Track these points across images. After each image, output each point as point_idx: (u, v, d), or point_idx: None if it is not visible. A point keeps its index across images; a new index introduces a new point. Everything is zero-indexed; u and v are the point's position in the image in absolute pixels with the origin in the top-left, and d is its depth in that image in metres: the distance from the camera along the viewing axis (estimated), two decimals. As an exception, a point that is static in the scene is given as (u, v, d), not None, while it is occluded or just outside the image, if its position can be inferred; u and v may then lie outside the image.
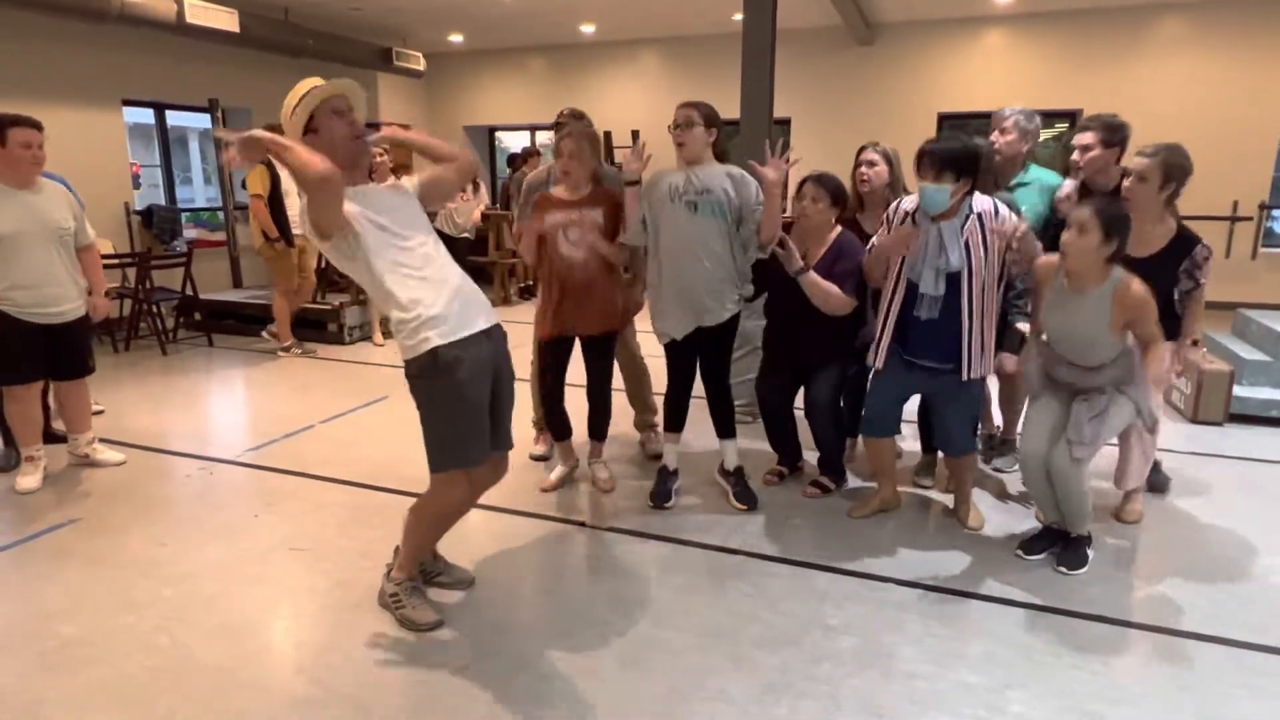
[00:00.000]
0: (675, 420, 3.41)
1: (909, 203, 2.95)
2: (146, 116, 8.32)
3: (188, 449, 4.10)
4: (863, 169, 3.42)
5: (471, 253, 7.75)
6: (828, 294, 3.14)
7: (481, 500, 2.67)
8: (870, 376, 3.18)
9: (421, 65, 9.77)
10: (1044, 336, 2.88)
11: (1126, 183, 3.00)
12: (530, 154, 8.65)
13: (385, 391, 5.14)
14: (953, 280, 2.81)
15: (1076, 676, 2.25)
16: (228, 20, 7.04)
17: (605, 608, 2.61)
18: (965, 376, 2.90)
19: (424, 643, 2.41)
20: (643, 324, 4.02)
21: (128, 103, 7.53)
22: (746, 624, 2.51)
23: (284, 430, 4.37)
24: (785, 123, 9.35)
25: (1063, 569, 2.82)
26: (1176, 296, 3.00)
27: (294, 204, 5.98)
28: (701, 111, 3.10)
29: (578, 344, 3.46)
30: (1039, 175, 3.53)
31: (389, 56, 9.23)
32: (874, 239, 3.09)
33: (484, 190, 8.22)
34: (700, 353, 3.27)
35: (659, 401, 4.06)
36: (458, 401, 2.30)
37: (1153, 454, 3.25)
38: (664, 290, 3.20)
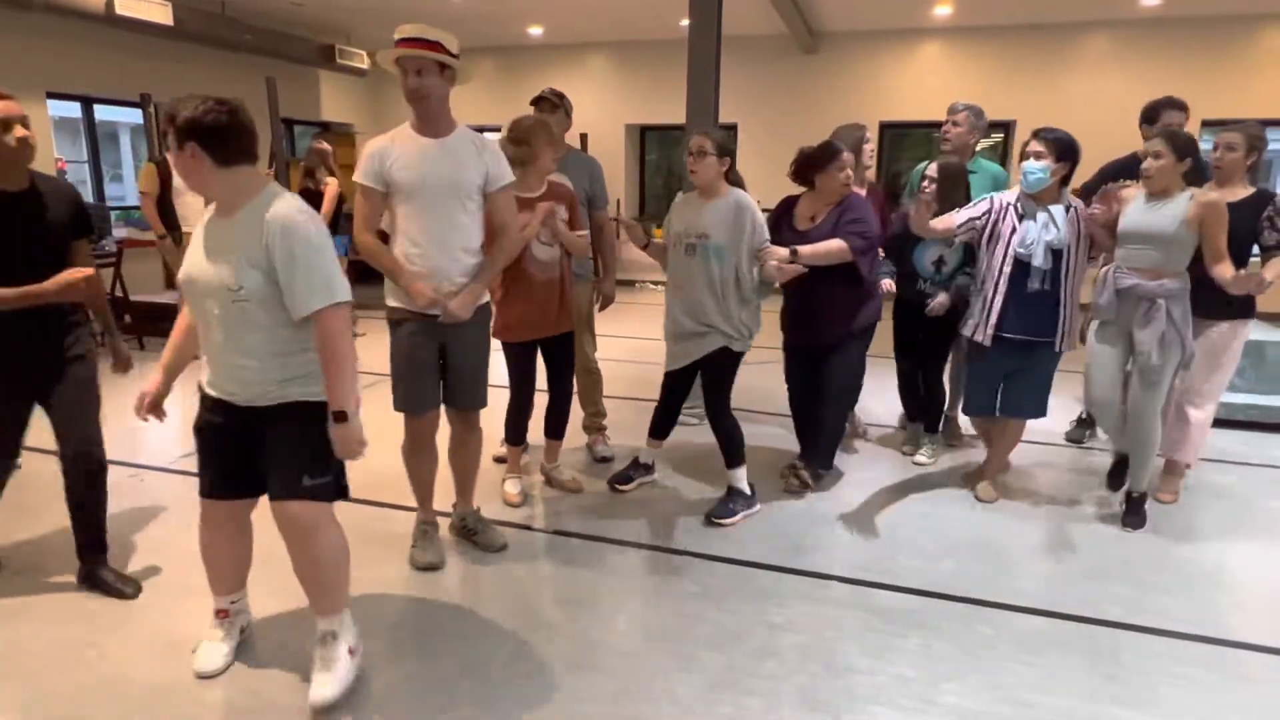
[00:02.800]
0: (659, 430, 3.54)
1: (1009, 195, 3.31)
2: (74, 110, 7.98)
3: (117, 456, 3.92)
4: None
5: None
6: (828, 251, 3.22)
7: (402, 501, 2.64)
8: (968, 359, 3.55)
9: (366, 64, 9.60)
10: (1118, 253, 3.18)
11: (1216, 152, 3.34)
12: None
13: (327, 395, 5.03)
14: (1056, 257, 3.18)
15: (1010, 668, 2.34)
16: (160, 12, 6.81)
17: (553, 610, 2.61)
18: (1058, 348, 3.27)
19: (367, 648, 2.37)
20: (601, 326, 4.03)
21: (53, 95, 7.21)
22: (693, 624, 2.54)
23: (221, 436, 4.23)
24: (731, 128, 9.47)
25: (1128, 528, 3.25)
26: (1257, 250, 3.26)
27: (186, 202, 5.84)
28: (714, 140, 3.12)
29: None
30: (984, 165, 4.08)
31: (331, 54, 9.05)
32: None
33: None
34: (703, 385, 3.34)
35: (608, 405, 4.08)
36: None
37: (1206, 433, 3.55)
38: (668, 321, 3.32)
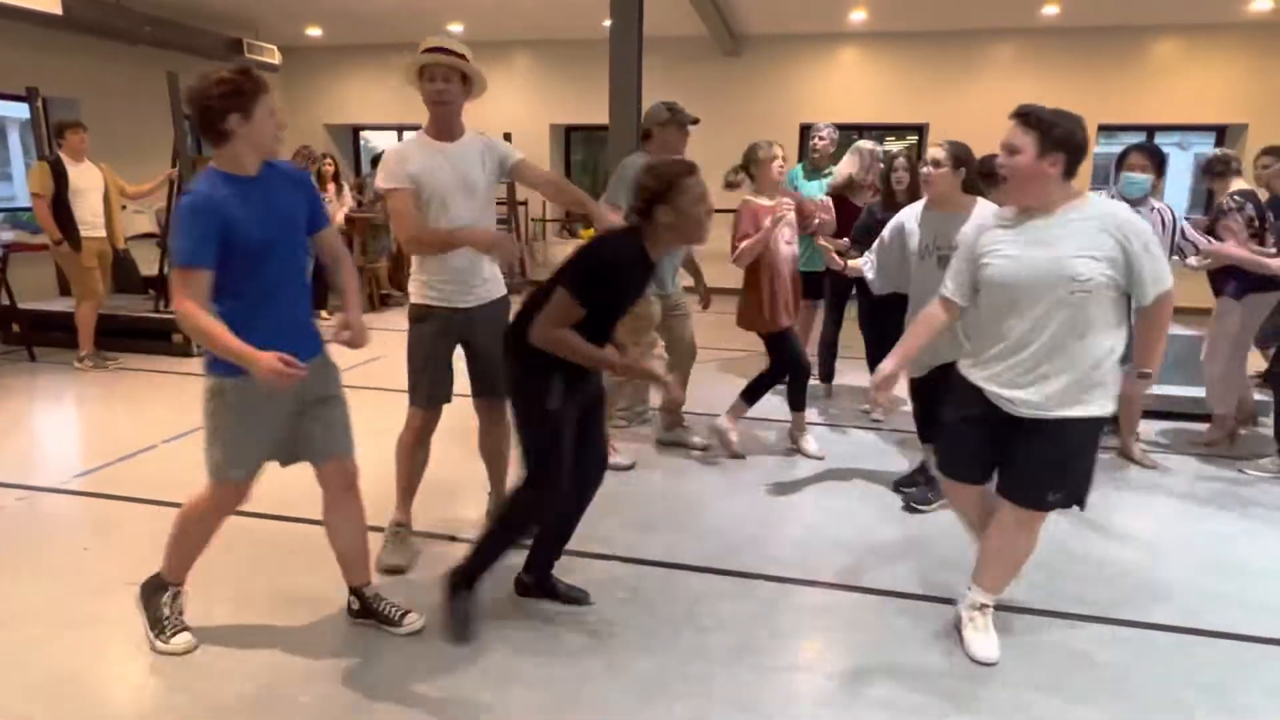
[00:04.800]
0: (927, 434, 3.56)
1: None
2: (-50, 104, 7.42)
3: (4, 478, 3.66)
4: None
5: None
6: None
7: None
8: None
9: (277, 59, 9.23)
10: None
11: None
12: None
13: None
14: None
15: (931, 658, 2.40)
16: (47, 1, 6.37)
17: (487, 619, 2.54)
18: None
19: (278, 677, 2.26)
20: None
21: (-74, 88, 6.68)
22: (621, 630, 2.51)
23: (121, 452, 3.99)
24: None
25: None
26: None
27: (85, 203, 5.50)
28: (949, 152, 3.11)
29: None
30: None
31: (239, 48, 8.65)
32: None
33: (347, 192, 7.86)
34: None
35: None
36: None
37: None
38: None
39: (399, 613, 2.46)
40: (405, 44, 11.39)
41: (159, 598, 2.39)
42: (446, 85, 2.73)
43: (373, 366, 5.85)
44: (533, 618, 2.58)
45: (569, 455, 2.35)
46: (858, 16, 8.15)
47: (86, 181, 5.57)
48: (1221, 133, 8.69)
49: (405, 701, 2.16)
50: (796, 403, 4.07)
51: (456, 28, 9.05)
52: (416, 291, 2.84)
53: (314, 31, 9.38)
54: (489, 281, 2.87)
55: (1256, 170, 4.71)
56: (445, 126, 2.79)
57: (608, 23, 5.23)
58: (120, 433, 4.29)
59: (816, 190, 4.91)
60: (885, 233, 3.39)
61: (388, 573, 2.79)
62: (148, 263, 6.99)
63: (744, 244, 3.76)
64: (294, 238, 2.23)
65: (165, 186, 6.21)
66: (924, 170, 3.17)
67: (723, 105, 9.32)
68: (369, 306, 8.04)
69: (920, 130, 9.12)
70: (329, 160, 7.19)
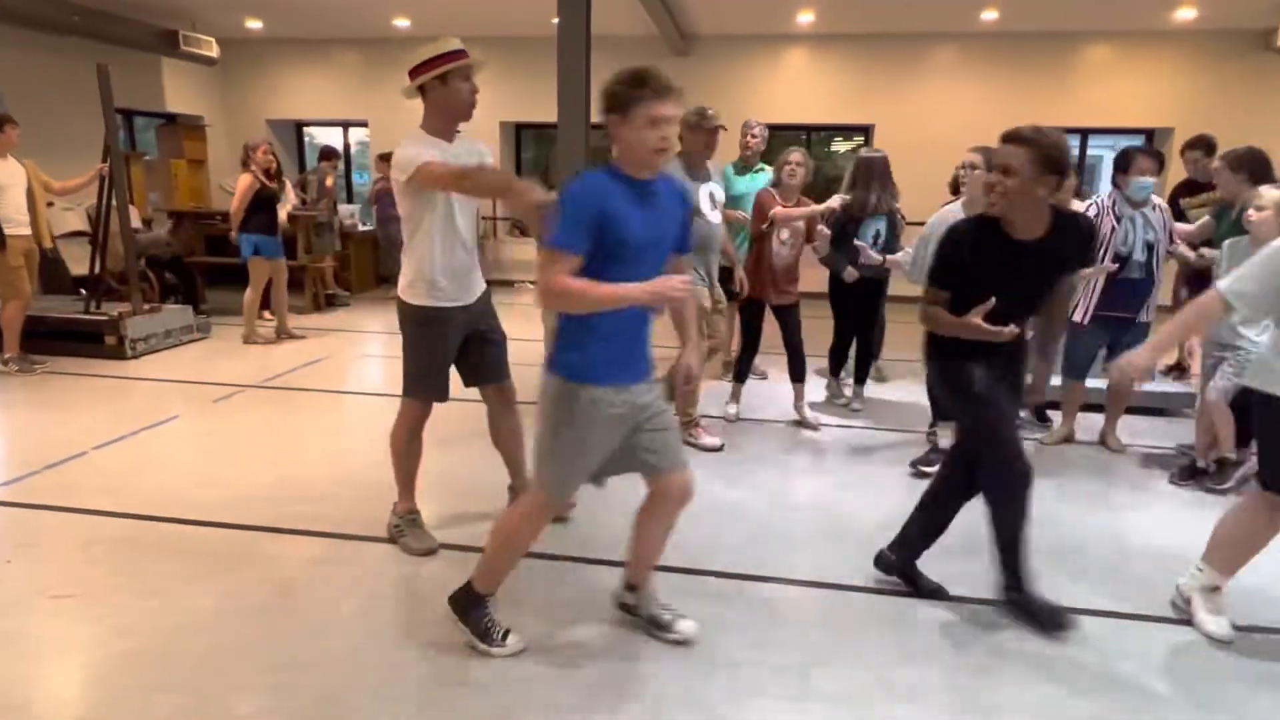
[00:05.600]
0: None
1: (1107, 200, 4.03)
2: None
3: (-81, 488, 3.47)
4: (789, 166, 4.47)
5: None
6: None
7: (267, 522, 2.47)
8: (1071, 333, 4.07)
9: (215, 52, 8.97)
10: None
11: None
12: (331, 153, 8.31)
13: (175, 410, 4.64)
14: (1149, 249, 3.97)
15: (875, 648, 2.44)
16: (-34, -13, 6.08)
17: (426, 628, 2.49)
18: (1146, 318, 4.06)
19: (212, 695, 2.19)
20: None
21: None
22: (570, 631, 2.50)
23: (46, 460, 3.81)
24: (604, 128, 9.46)
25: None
26: None
27: (8, 200, 5.26)
28: (986, 155, 3.35)
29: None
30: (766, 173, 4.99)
31: (175, 40, 8.37)
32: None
33: (290, 188, 7.66)
34: None
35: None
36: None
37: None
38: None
39: (671, 617, 2.47)
40: (350, 39, 11.19)
41: (479, 609, 2.37)
42: (473, 86, 2.82)
43: (315, 368, 5.73)
44: (481, 621, 2.54)
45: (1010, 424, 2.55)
46: (805, 18, 8.26)
47: (8, 178, 5.32)
48: (1150, 136, 9.04)
49: (349, 709, 2.11)
50: (794, 375, 4.57)
51: (403, 22, 8.91)
52: (421, 294, 2.83)
53: (254, 24, 9.12)
54: (480, 276, 3.00)
55: (1187, 164, 5.03)
56: (453, 127, 2.85)
57: (556, 20, 5.20)
58: (47, 439, 4.11)
59: (746, 188, 4.97)
60: (926, 230, 3.82)
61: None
62: (77, 261, 6.72)
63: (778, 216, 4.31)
64: (662, 250, 2.18)
65: (96, 182, 5.97)
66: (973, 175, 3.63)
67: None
68: (312, 306, 7.86)
69: (866, 131, 9.28)
70: (273, 158, 7.00)
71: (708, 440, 4.18)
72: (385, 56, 9.77)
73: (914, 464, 3.91)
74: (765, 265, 4.38)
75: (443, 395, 2.96)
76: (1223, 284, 2.36)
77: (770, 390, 5.25)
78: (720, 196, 4.28)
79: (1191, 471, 3.80)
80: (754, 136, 5.18)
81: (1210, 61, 8.40)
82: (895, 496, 3.60)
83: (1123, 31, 8.45)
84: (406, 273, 2.84)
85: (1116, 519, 3.45)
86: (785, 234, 4.36)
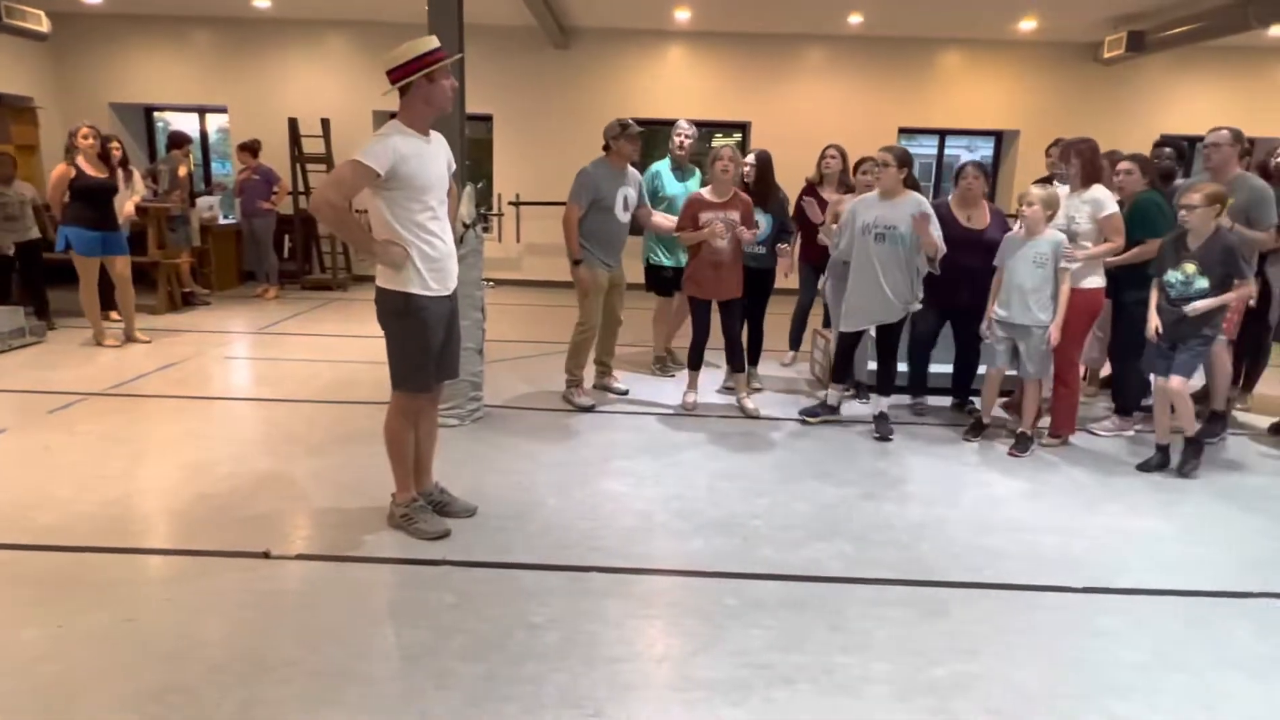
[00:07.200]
0: (843, 376, 4.70)
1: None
2: None
3: None
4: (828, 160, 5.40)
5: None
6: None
7: (111, 542, 2.27)
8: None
9: (45, 26, 8.11)
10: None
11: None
12: (182, 140, 7.81)
13: (2, 423, 4.19)
14: None
15: (752, 633, 2.51)
16: None
17: (290, 646, 2.37)
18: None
19: (51, 727, 1.99)
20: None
21: None
22: (449, 637, 2.43)
23: None
24: (487, 119, 9.29)
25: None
26: None
27: None
28: (895, 155, 4.21)
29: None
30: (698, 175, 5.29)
31: (-4, 12, 7.52)
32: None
33: (138, 178, 7.07)
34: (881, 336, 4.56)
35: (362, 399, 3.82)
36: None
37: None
38: (851, 291, 4.44)
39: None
40: (203, 17, 10.46)
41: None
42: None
43: (170, 373, 5.32)
44: (356, 636, 2.44)
45: None
46: (682, 15, 8.37)
47: None
48: (1000, 138, 9.73)
49: (204, 739, 1.97)
50: (732, 364, 4.82)
51: (263, 3, 8.39)
52: (412, 282, 2.87)
53: (91, -2, 8.34)
54: (455, 267, 3.05)
55: (1048, 164, 5.60)
56: (431, 119, 2.90)
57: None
58: None
59: (683, 191, 5.12)
60: (844, 214, 4.47)
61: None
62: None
63: (680, 234, 4.67)
64: None
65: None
66: (876, 169, 4.23)
67: (553, 97, 9.29)
68: (167, 306, 7.31)
69: (744, 128, 9.52)
70: (115, 144, 6.42)
71: (581, 400, 4.74)
72: (245, 38, 9.17)
73: (801, 413, 4.68)
74: (704, 263, 4.55)
75: (430, 385, 3.05)
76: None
77: (673, 382, 5.31)
78: (634, 200, 4.71)
79: (976, 428, 4.50)
80: (687, 137, 5.28)
81: (1049, 70, 9.13)
82: (768, 484, 3.73)
83: (974, 39, 9.05)
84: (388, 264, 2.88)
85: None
86: (719, 228, 4.48)
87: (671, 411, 4.77)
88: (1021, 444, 4.22)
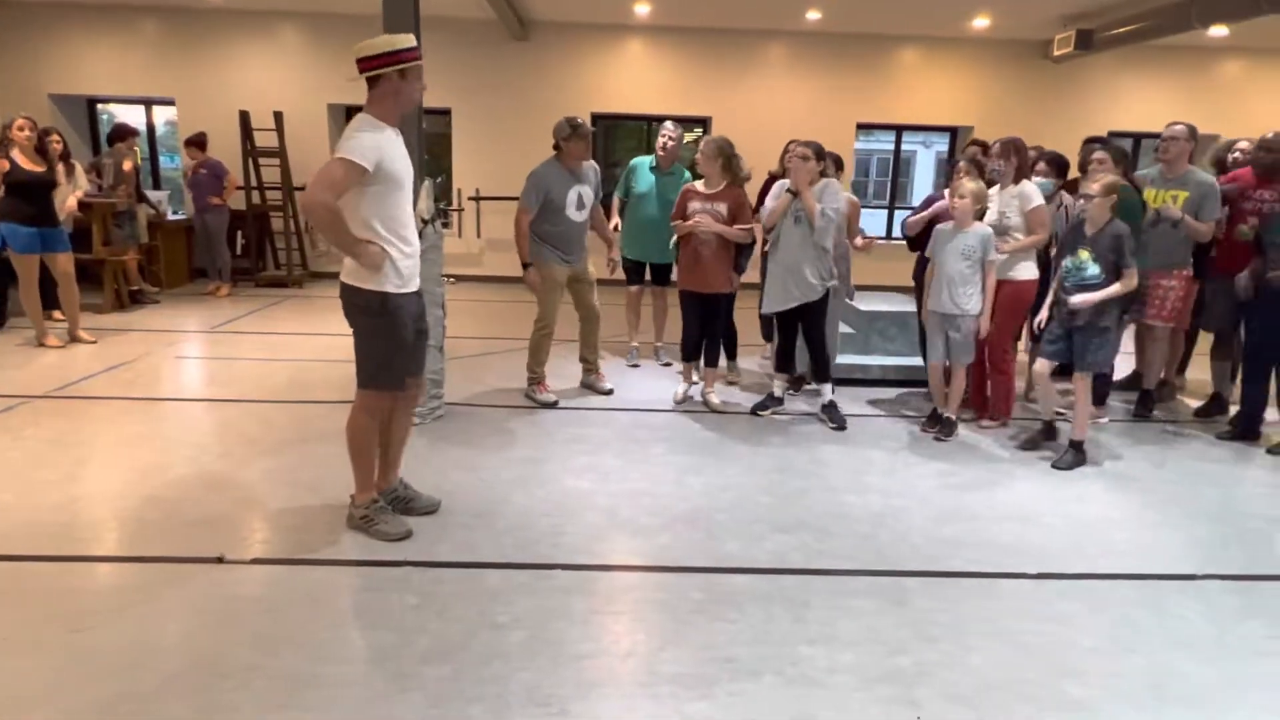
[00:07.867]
0: (785, 365, 4.84)
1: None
2: None
3: None
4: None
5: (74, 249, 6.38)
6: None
7: (55, 550, 2.18)
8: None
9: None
10: None
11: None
12: (127, 132, 7.53)
13: (-60, 428, 4.02)
14: None
15: (718, 626, 2.52)
16: None
17: (248, 651, 2.31)
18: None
19: None
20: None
21: None
22: (413, 638, 2.40)
23: None
24: (445, 112, 9.16)
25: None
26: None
27: None
28: (814, 149, 4.42)
29: None
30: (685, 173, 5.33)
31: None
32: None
33: (80, 173, 6.84)
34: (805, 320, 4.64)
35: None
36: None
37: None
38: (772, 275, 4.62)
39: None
40: (148, 6, 10.15)
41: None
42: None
43: (118, 374, 5.16)
44: (317, 640, 2.39)
45: None
46: (642, 10, 8.34)
47: None
48: (954, 133, 9.90)
49: (158, 751, 1.91)
50: (706, 360, 4.85)
51: (212, -8, 8.16)
52: (388, 280, 2.84)
53: (27, -16, 8.02)
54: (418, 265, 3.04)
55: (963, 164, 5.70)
56: (397, 119, 2.88)
57: (382, -3, 4.92)
58: None
59: (671, 190, 5.14)
60: (767, 200, 4.78)
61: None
62: None
63: (674, 224, 4.75)
64: None
65: None
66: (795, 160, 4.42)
67: (513, 90, 9.19)
68: (114, 304, 7.07)
69: (704, 123, 9.53)
70: (55, 137, 6.18)
71: (543, 396, 4.79)
72: (193, 29, 8.90)
73: (754, 409, 4.75)
74: (689, 254, 4.66)
75: (402, 382, 3.01)
76: None
77: (648, 378, 5.30)
78: (589, 198, 4.72)
79: (933, 419, 4.55)
80: (670, 139, 5.37)
81: (1001, 67, 9.31)
82: (732, 478, 3.75)
83: (929, 36, 9.18)
84: (359, 261, 2.82)
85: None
86: (705, 219, 4.54)
87: (637, 406, 4.76)
88: (946, 428, 4.40)
